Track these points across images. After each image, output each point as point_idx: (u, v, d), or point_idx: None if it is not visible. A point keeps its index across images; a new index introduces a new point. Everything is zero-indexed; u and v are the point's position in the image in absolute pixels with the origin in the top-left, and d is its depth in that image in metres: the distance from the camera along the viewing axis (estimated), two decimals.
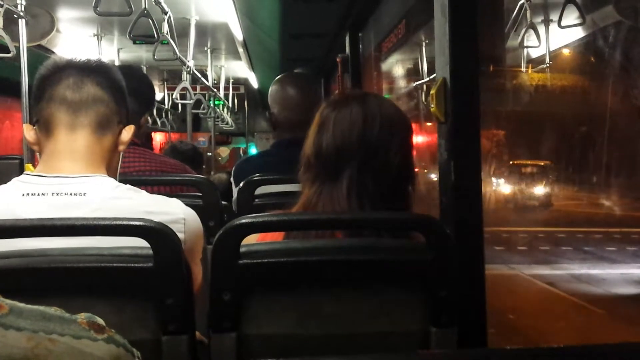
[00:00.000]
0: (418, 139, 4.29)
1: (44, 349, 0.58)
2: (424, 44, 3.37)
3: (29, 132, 1.21)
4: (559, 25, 1.99)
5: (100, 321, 0.67)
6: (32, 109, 1.23)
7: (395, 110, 1.33)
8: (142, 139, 2.12)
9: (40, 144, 1.20)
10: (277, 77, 2.28)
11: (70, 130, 1.18)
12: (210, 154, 8.06)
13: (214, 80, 5.85)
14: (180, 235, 1.11)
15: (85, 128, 1.19)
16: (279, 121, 2.19)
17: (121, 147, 1.26)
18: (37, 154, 1.24)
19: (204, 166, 4.34)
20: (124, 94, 1.27)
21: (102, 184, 1.16)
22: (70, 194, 1.13)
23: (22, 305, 0.62)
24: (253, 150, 11.12)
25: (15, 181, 1.16)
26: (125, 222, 1.03)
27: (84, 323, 0.64)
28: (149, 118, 2.20)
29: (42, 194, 1.13)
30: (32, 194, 1.12)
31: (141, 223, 1.03)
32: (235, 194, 2.14)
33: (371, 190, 1.24)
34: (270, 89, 2.24)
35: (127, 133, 1.26)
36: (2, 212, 1.09)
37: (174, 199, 1.23)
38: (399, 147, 1.28)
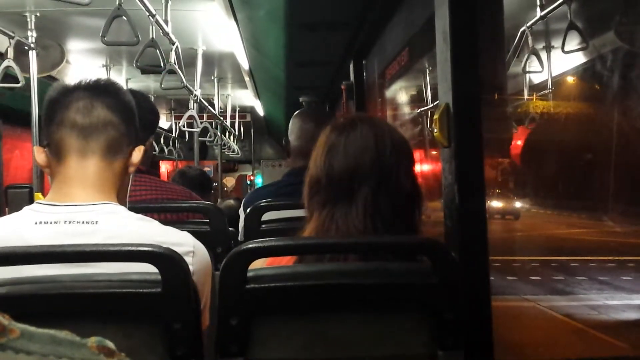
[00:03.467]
0: (424, 166, 4.31)
1: None
2: (427, 70, 3.41)
3: (39, 155, 1.21)
4: (563, 51, 2.02)
5: (110, 345, 0.67)
6: (42, 132, 1.24)
7: (401, 134, 1.34)
8: (147, 165, 2.12)
9: (51, 167, 1.21)
10: (297, 112, 2.46)
11: (81, 156, 1.19)
12: (216, 183, 8.09)
13: (221, 108, 5.90)
14: (189, 268, 1.10)
15: (95, 153, 1.19)
16: (293, 149, 2.32)
17: (131, 169, 1.26)
18: (48, 177, 1.24)
19: (212, 191, 4.36)
20: (134, 114, 1.27)
21: (113, 212, 1.17)
22: (83, 222, 1.13)
23: (32, 329, 0.63)
24: (259, 181, 11.15)
25: (27, 210, 1.16)
26: (134, 248, 1.05)
27: (94, 347, 0.65)
28: (154, 143, 2.22)
29: (55, 222, 1.13)
30: (44, 222, 1.13)
31: (150, 249, 1.04)
32: (241, 222, 2.17)
33: (385, 212, 1.24)
34: (290, 122, 2.40)
35: (138, 154, 1.25)
36: (14, 240, 1.09)
37: (185, 232, 1.22)
38: (408, 169, 1.29)
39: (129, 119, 1.25)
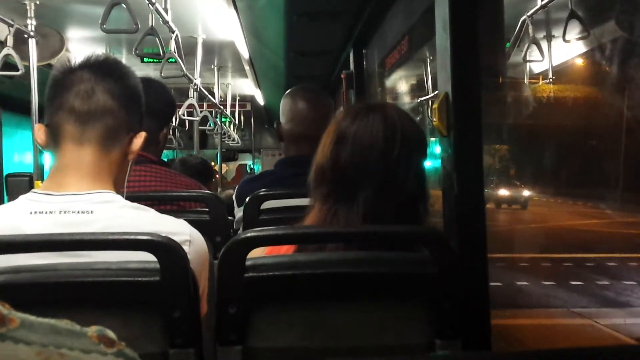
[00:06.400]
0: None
1: None
2: (428, 60, 3.40)
3: (40, 134, 1.20)
4: (564, 39, 2.01)
5: (111, 334, 0.68)
6: (45, 110, 1.21)
7: (414, 126, 1.29)
8: (159, 156, 2.09)
9: (50, 148, 1.19)
10: (288, 90, 2.24)
11: (77, 144, 1.17)
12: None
13: (221, 97, 5.89)
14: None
15: (92, 142, 1.17)
16: (285, 133, 2.15)
17: (131, 156, 1.23)
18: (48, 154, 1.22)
19: (213, 179, 4.37)
20: (137, 99, 1.24)
21: (109, 201, 1.15)
22: (78, 212, 1.12)
23: (32, 318, 0.63)
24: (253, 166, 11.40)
25: (23, 199, 1.15)
26: (132, 237, 1.05)
27: (94, 337, 0.65)
28: (170, 135, 2.17)
29: (50, 212, 1.12)
30: (39, 212, 1.12)
31: (148, 237, 1.04)
32: (237, 214, 2.11)
33: (387, 214, 1.21)
34: (281, 102, 2.19)
35: (138, 141, 1.22)
36: (9, 229, 1.09)
37: (182, 221, 1.21)
38: (417, 167, 1.26)
39: (131, 104, 1.22)
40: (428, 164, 1.30)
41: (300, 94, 2.17)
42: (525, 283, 5.88)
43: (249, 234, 1.11)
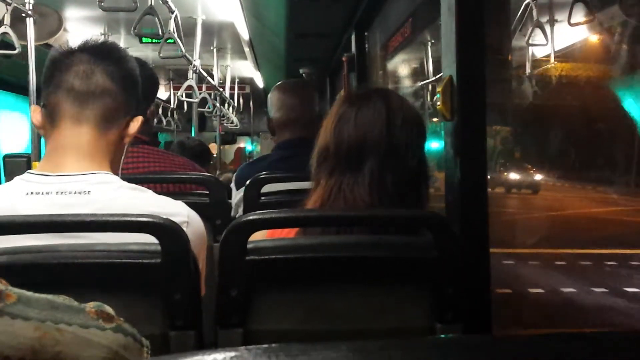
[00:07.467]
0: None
1: (51, 338, 0.58)
2: (429, 43, 3.37)
3: (36, 115, 1.19)
4: (569, 23, 1.99)
5: (109, 310, 0.67)
6: (41, 91, 1.20)
7: (415, 112, 1.33)
8: (150, 135, 2.08)
9: (45, 130, 1.19)
10: (274, 86, 2.36)
11: (75, 123, 1.16)
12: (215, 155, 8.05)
13: (220, 79, 5.85)
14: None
15: (90, 121, 1.16)
16: (275, 121, 2.24)
17: (127, 139, 1.23)
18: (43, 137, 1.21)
19: (211, 162, 4.36)
20: (136, 83, 1.24)
21: (106, 182, 1.15)
22: (75, 193, 1.12)
23: (30, 294, 0.62)
24: (249, 147, 11.50)
25: (19, 180, 1.14)
26: (134, 219, 1.04)
27: (93, 312, 0.64)
28: (158, 113, 2.19)
29: (46, 192, 1.11)
30: (35, 193, 1.11)
31: (150, 219, 1.04)
32: (234, 199, 2.13)
33: (390, 187, 1.23)
34: (269, 97, 2.31)
35: (135, 124, 1.23)
36: (5, 211, 1.07)
37: (179, 202, 1.21)
38: (417, 148, 1.28)
39: (129, 88, 1.22)
40: (435, 145, 1.31)
41: (286, 85, 2.33)
42: (572, 290, 4.98)
43: (250, 217, 1.10)
